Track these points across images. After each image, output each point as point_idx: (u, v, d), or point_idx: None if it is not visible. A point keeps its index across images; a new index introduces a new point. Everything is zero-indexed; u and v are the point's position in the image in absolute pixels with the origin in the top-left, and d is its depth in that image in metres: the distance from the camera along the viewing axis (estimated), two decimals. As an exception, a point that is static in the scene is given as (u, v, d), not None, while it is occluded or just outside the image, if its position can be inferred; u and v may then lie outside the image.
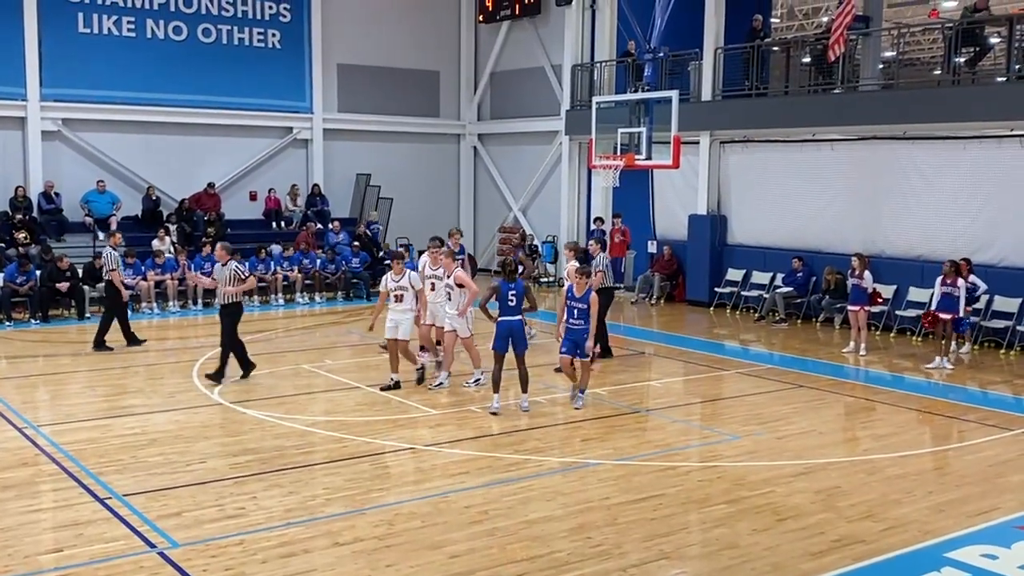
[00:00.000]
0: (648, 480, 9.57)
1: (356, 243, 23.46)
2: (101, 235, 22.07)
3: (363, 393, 13.11)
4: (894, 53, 19.88)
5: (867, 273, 16.43)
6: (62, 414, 11.96)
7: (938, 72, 23.04)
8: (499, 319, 11.99)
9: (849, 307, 16.82)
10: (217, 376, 13.43)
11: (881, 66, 20.80)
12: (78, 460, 9.91)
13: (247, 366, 13.73)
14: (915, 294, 18.11)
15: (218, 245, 14.15)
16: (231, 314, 13.45)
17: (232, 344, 13.52)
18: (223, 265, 13.48)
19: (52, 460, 9.97)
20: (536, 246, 26.39)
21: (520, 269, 14.22)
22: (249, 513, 8.47)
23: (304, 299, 21.95)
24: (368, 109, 26.79)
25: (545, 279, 25.85)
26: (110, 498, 8.79)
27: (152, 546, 7.68)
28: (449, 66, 28.62)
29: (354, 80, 26.61)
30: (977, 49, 18.00)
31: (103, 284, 16.63)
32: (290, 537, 7.91)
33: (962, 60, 17.93)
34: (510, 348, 11.95)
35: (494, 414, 11.91)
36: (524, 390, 12.23)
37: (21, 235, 20.65)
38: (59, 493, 9.02)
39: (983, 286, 16.39)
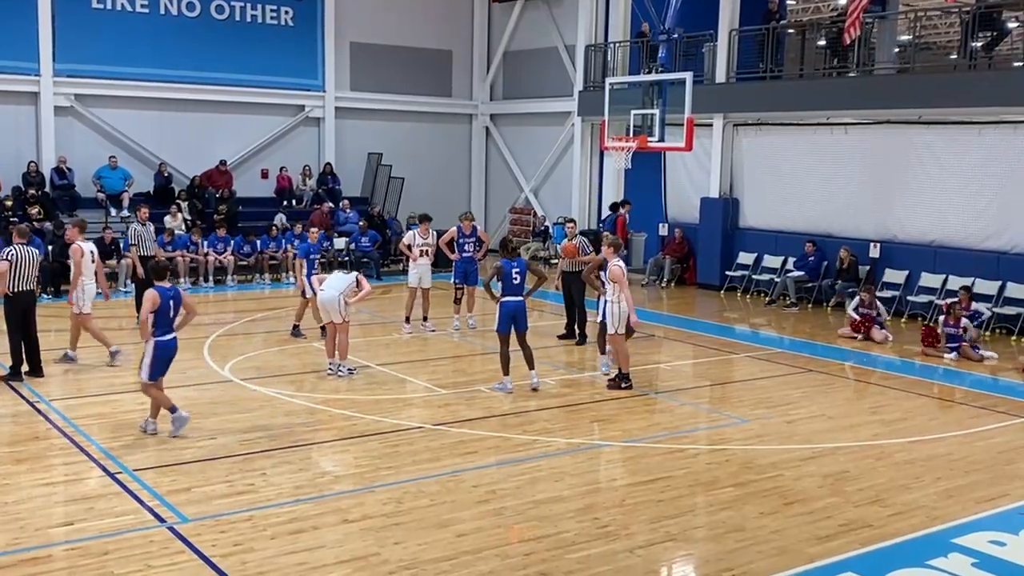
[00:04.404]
0: (656, 462, 9.58)
1: (363, 223, 23.45)
2: (114, 211, 22.16)
3: (372, 371, 13.14)
4: (910, 37, 19.71)
5: (879, 304, 16.46)
6: (73, 388, 12.02)
7: (954, 56, 22.84)
8: (503, 299, 11.97)
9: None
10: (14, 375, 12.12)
11: (897, 50, 20.63)
12: (89, 434, 9.97)
13: (14, 370, 12.10)
14: (927, 279, 18.04)
15: None
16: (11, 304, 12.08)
17: (14, 335, 12.15)
18: None
19: (63, 434, 10.04)
20: (547, 227, 26.34)
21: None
22: (259, 489, 8.51)
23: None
24: (380, 88, 26.73)
25: (555, 261, 25.78)
26: (120, 473, 8.85)
27: (162, 521, 7.74)
28: (462, 45, 28.52)
29: (367, 58, 26.54)
30: (994, 34, 17.86)
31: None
32: (299, 513, 7.96)
33: (979, 44, 17.79)
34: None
35: (508, 393, 11.94)
36: (531, 367, 12.25)
37: (34, 210, 20.68)
38: (70, 467, 9.08)
39: (986, 313, 16.41)
